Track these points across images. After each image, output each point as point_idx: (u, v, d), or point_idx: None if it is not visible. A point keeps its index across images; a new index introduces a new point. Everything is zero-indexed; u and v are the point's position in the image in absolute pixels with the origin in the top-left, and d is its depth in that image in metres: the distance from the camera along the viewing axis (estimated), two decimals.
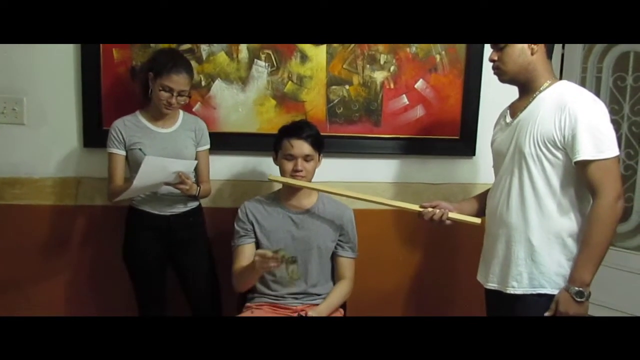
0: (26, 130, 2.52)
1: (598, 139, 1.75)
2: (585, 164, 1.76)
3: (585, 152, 1.75)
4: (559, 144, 1.80)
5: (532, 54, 1.88)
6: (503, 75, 1.95)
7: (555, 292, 1.84)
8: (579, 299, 1.78)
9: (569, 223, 1.84)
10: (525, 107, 1.91)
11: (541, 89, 1.89)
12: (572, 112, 1.77)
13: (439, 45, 2.59)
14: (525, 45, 1.87)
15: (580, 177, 1.81)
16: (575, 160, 1.77)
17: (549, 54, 1.93)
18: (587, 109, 1.78)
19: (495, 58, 1.93)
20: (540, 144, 1.83)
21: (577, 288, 1.79)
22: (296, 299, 2.26)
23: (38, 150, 2.54)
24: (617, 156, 1.77)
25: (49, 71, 2.50)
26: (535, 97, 1.89)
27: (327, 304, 2.22)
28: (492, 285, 1.99)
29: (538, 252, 1.86)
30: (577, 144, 1.76)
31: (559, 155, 1.81)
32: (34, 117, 2.52)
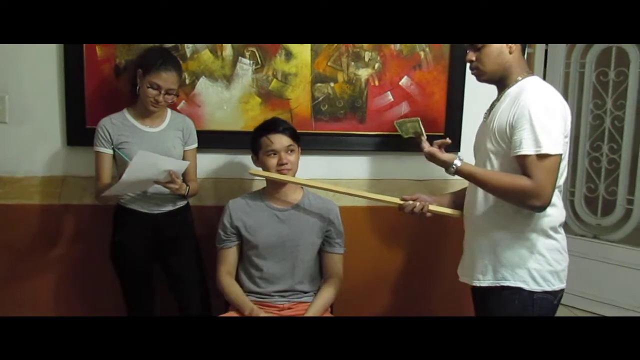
0: (8, 128, 2.50)
1: (537, 134, 1.73)
2: (523, 158, 1.75)
3: (523, 146, 1.74)
4: (509, 138, 1.81)
5: (510, 52, 1.89)
6: (482, 75, 1.95)
7: (518, 284, 1.86)
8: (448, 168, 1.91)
9: (529, 217, 1.84)
10: (496, 104, 1.93)
11: (511, 85, 1.90)
12: (520, 106, 1.78)
13: None
14: (504, 45, 1.88)
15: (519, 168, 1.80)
16: (514, 154, 1.77)
17: (523, 51, 1.94)
18: (534, 104, 1.76)
19: (473, 58, 1.93)
20: (499, 139, 1.84)
21: (457, 163, 1.89)
22: (283, 296, 2.26)
23: (21, 148, 2.52)
24: (557, 155, 1.74)
25: (31, 68, 2.47)
26: (504, 92, 1.91)
27: (314, 311, 2.23)
28: (464, 279, 2.03)
29: (500, 245, 1.88)
30: (517, 138, 1.76)
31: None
32: (16, 115, 2.49)
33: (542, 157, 1.73)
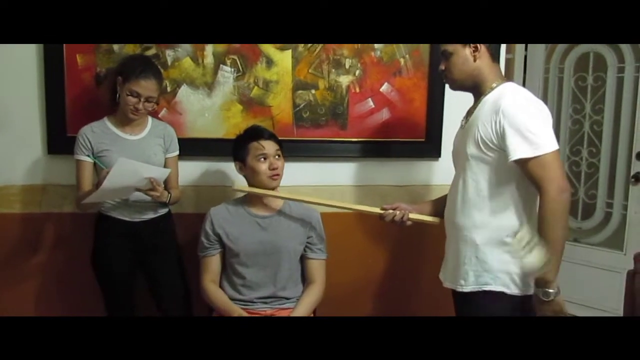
0: None
1: (528, 137, 1.76)
2: (523, 162, 1.78)
3: (519, 150, 1.77)
4: (495, 145, 1.83)
5: (474, 60, 1.93)
6: (452, 83, 2.01)
7: (500, 288, 1.88)
8: (546, 299, 1.78)
9: (512, 222, 1.87)
10: (473, 111, 1.96)
11: (487, 92, 1.93)
12: (503, 112, 1.80)
13: (402, 48, 2.62)
14: (468, 53, 1.92)
15: (523, 176, 1.83)
16: (511, 159, 1.78)
17: (494, 58, 1.97)
18: (516, 109, 1.80)
19: (443, 67, 1.99)
20: (481, 145, 1.86)
21: (542, 289, 1.78)
22: (265, 303, 2.26)
23: (1, 157, 2.50)
24: (555, 150, 1.77)
25: (11, 77, 2.46)
26: (481, 100, 1.94)
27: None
28: (448, 284, 2.05)
29: (482, 250, 1.90)
30: (510, 144, 1.78)
31: (498, 155, 1.84)
32: None
33: (540, 157, 1.76)
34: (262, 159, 2.21)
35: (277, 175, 2.22)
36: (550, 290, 1.78)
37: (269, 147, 2.21)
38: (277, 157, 2.23)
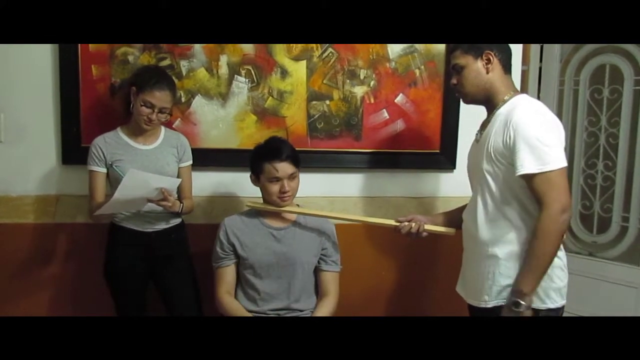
0: (3, 147, 2.49)
1: (538, 151, 1.75)
2: (529, 177, 1.76)
3: (526, 165, 1.75)
4: (507, 159, 1.82)
5: (487, 72, 1.92)
6: (465, 97, 2.00)
7: None
8: (515, 309, 1.78)
9: (531, 235, 1.84)
10: (487, 124, 1.94)
11: (499, 104, 1.91)
12: (514, 125, 1.79)
13: (417, 59, 2.61)
14: (480, 65, 1.92)
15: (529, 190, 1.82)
16: (517, 174, 1.77)
17: (506, 70, 1.96)
18: (528, 122, 1.78)
19: (455, 82, 1.99)
20: (494, 159, 1.85)
21: (514, 299, 1.79)
22: (279, 315, 2.25)
23: (16, 167, 2.51)
24: (562, 168, 1.76)
25: (27, 87, 2.48)
26: (494, 113, 1.92)
27: None
28: (470, 301, 2.02)
29: (505, 265, 1.87)
30: (518, 158, 1.77)
31: (512, 170, 1.82)
32: (11, 134, 2.49)
33: (546, 174, 1.74)
34: (275, 181, 2.20)
35: (288, 197, 2.21)
36: (522, 303, 1.78)
37: (283, 170, 2.19)
38: (291, 178, 2.21)
